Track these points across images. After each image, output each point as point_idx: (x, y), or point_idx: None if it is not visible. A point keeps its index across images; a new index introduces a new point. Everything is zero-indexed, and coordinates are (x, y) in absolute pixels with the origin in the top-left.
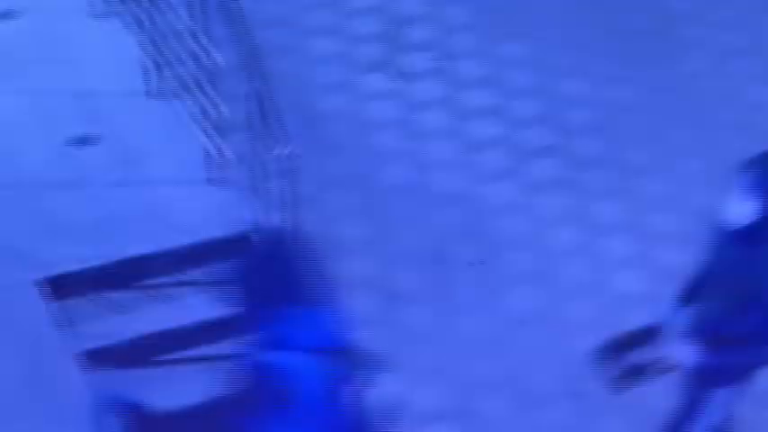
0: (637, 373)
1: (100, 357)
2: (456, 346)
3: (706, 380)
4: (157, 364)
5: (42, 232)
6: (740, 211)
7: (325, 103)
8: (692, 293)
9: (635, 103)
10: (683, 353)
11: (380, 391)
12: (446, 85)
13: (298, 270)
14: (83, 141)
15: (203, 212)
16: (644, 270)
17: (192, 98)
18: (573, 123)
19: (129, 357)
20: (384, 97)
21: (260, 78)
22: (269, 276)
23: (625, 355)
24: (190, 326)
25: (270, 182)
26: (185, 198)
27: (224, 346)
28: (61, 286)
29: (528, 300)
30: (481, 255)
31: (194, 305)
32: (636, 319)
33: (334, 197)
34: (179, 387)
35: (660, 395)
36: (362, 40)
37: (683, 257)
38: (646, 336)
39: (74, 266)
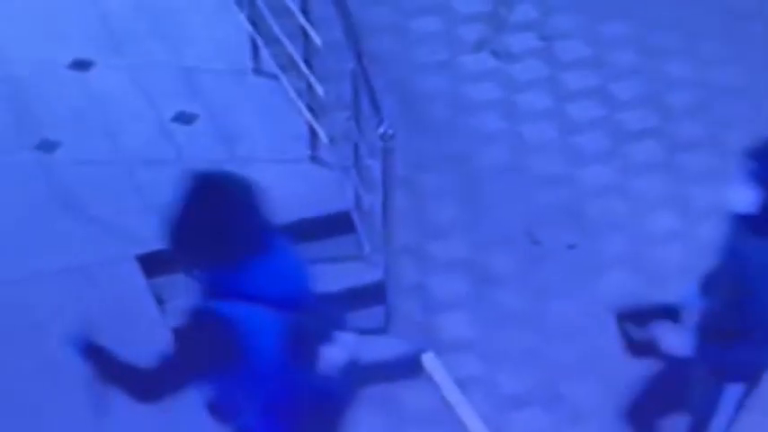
0: (641, 348)
1: None
2: (546, 330)
3: (713, 376)
4: None
5: (141, 209)
6: (743, 200)
7: (425, 82)
8: (707, 283)
9: (738, 85)
10: (677, 341)
11: (340, 349)
12: (548, 65)
13: (244, 216)
14: (185, 118)
15: (302, 190)
16: None
17: (293, 76)
18: (674, 105)
19: None
20: (485, 78)
21: (358, 58)
22: (215, 221)
23: (640, 326)
24: None
25: (368, 161)
26: (284, 176)
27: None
28: (156, 262)
29: (622, 284)
30: (576, 238)
31: None
32: None
33: (431, 177)
34: None
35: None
36: (465, 20)
37: None
38: (661, 313)
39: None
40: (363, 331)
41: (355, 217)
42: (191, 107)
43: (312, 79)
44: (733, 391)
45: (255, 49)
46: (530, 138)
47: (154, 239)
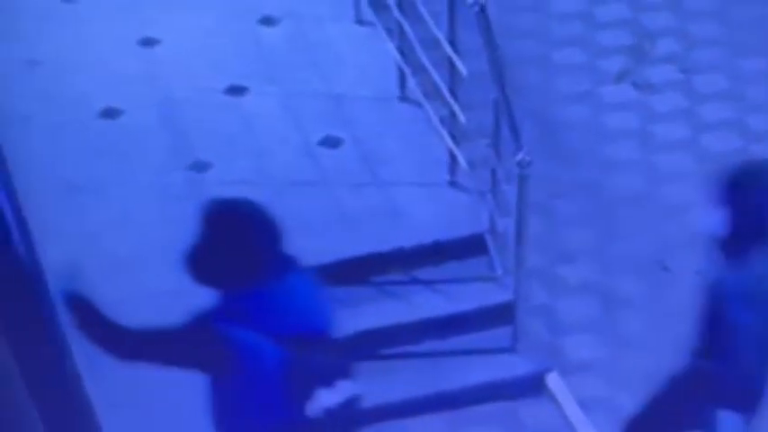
0: None
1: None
2: (671, 354)
3: (707, 401)
4: (380, 357)
5: (286, 228)
6: (714, 221)
7: (565, 112)
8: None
9: None
10: None
11: (333, 394)
12: (687, 97)
13: (259, 243)
14: (331, 142)
15: (439, 214)
16: None
17: (437, 104)
18: None
19: (351, 350)
20: (624, 108)
21: (502, 87)
22: (237, 250)
23: None
24: (410, 323)
25: (504, 186)
26: (423, 199)
27: (445, 343)
28: None
29: None
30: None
31: (419, 303)
32: None
33: (565, 203)
34: (396, 382)
35: None
36: (608, 52)
37: None
38: None
39: (311, 260)
40: (492, 350)
41: (489, 239)
42: (337, 132)
43: (455, 107)
44: (729, 420)
45: (402, 77)
46: (664, 168)
47: (297, 255)
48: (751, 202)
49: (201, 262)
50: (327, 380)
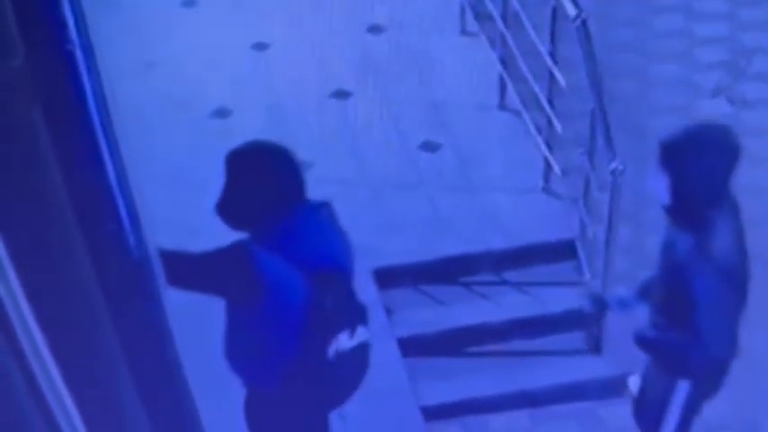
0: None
1: (413, 344)
2: (750, 359)
3: (663, 370)
4: (464, 354)
5: (381, 227)
6: (658, 190)
7: (660, 124)
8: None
9: None
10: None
11: (349, 337)
12: None
13: (282, 179)
14: (430, 147)
15: (531, 219)
16: None
17: (535, 113)
18: None
19: (438, 347)
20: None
21: (599, 97)
22: (263, 190)
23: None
24: (497, 323)
25: (596, 194)
26: (516, 205)
27: (527, 344)
28: (389, 276)
29: None
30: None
31: (507, 304)
32: None
33: (654, 213)
34: (482, 378)
35: None
36: (706, 68)
37: None
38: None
39: (403, 259)
40: (578, 351)
41: (579, 245)
42: (436, 137)
43: (552, 116)
44: (682, 389)
45: (503, 86)
46: (752, 182)
47: (389, 255)
48: (689, 168)
49: (232, 207)
50: (347, 323)
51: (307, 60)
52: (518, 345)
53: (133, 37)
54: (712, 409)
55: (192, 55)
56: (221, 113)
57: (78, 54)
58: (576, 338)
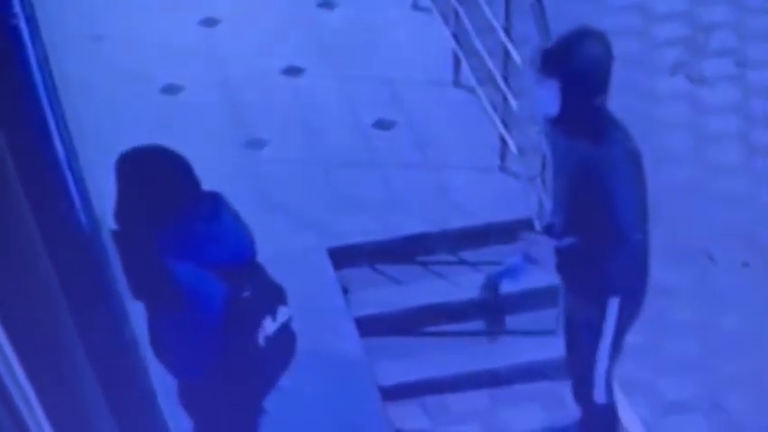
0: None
1: (371, 324)
2: (713, 342)
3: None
4: (422, 334)
5: (335, 206)
6: (543, 99)
7: (616, 103)
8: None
9: None
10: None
11: (273, 320)
12: (741, 91)
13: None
14: (384, 125)
15: (488, 198)
16: None
17: (489, 90)
18: None
19: (396, 326)
20: (678, 100)
21: None
22: (153, 192)
23: None
24: (455, 303)
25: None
26: (472, 184)
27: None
28: (345, 256)
29: None
30: (751, 256)
31: (465, 284)
32: None
33: None
34: (440, 358)
35: None
36: (664, 44)
37: None
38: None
39: (359, 239)
40: (536, 332)
41: (537, 223)
42: (390, 115)
43: (508, 94)
44: (612, 308)
45: (457, 63)
46: (715, 159)
47: (344, 234)
48: (579, 63)
49: (125, 213)
50: (268, 308)
51: (258, 36)
52: (477, 325)
53: (79, 9)
54: (676, 390)
55: (141, 29)
56: (172, 90)
57: (23, 27)
58: (535, 318)
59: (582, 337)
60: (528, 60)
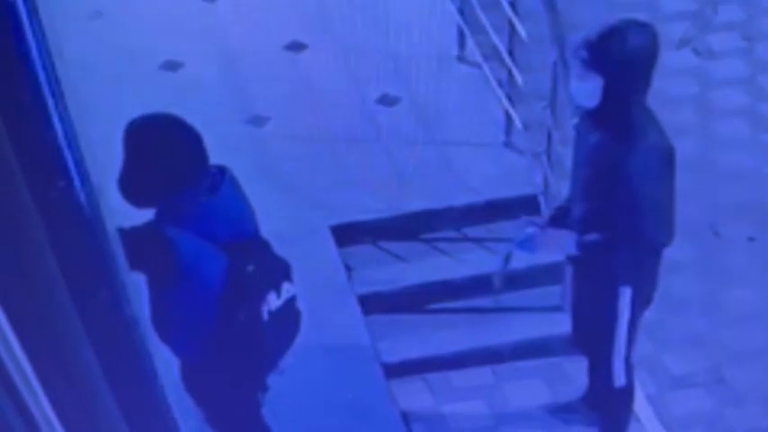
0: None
1: (374, 301)
2: (718, 316)
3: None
4: (426, 311)
5: (339, 183)
6: (583, 91)
7: None
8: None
9: None
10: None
11: (277, 296)
12: (749, 65)
13: (181, 155)
14: (388, 100)
15: (493, 174)
16: None
17: (495, 66)
18: None
19: (400, 304)
20: (685, 74)
21: (561, 50)
22: (162, 164)
23: None
24: (459, 279)
25: (559, 149)
26: (477, 159)
27: (490, 300)
28: (348, 233)
29: None
30: (757, 231)
31: (467, 260)
32: None
33: None
34: (444, 335)
35: None
36: (671, 18)
37: None
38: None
39: (363, 216)
40: (540, 308)
41: (542, 200)
42: (395, 90)
43: (514, 69)
44: (624, 296)
45: (462, 38)
46: (723, 134)
47: (348, 212)
48: (621, 63)
49: (132, 183)
50: (273, 282)
51: (258, 11)
52: (481, 301)
53: None
54: (679, 362)
55: (140, 5)
56: (172, 66)
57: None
58: (540, 294)
59: (595, 323)
60: (571, 50)
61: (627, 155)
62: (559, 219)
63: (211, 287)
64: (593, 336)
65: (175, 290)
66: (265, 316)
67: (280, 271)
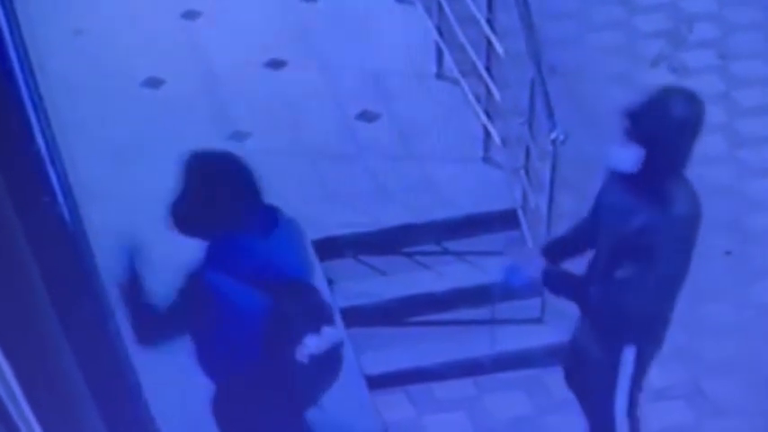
0: None
1: (356, 314)
2: (696, 329)
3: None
4: (407, 324)
5: (320, 197)
6: (623, 159)
7: (601, 93)
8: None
9: None
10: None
11: (318, 340)
12: (724, 82)
13: (236, 193)
14: (368, 117)
15: (472, 189)
16: None
17: (473, 82)
18: None
19: (382, 316)
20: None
21: (538, 66)
22: (216, 199)
23: None
24: (440, 293)
25: (537, 164)
26: (456, 175)
27: (470, 313)
28: (329, 247)
29: None
30: (734, 246)
31: (448, 273)
32: None
33: (597, 182)
34: (425, 347)
35: None
36: (646, 36)
37: None
38: None
39: (344, 230)
40: (520, 320)
41: (521, 215)
42: (374, 107)
43: (491, 85)
44: (629, 354)
45: (440, 54)
46: (700, 150)
47: (329, 226)
48: (663, 135)
49: (184, 212)
50: (313, 326)
51: (239, 29)
52: (461, 314)
53: (59, 4)
54: (658, 375)
55: (121, 23)
56: (153, 83)
57: (2, 22)
58: (520, 307)
59: (595, 376)
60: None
61: (654, 219)
62: (555, 253)
63: (248, 326)
64: (592, 392)
65: (212, 327)
66: (302, 357)
67: (320, 315)
